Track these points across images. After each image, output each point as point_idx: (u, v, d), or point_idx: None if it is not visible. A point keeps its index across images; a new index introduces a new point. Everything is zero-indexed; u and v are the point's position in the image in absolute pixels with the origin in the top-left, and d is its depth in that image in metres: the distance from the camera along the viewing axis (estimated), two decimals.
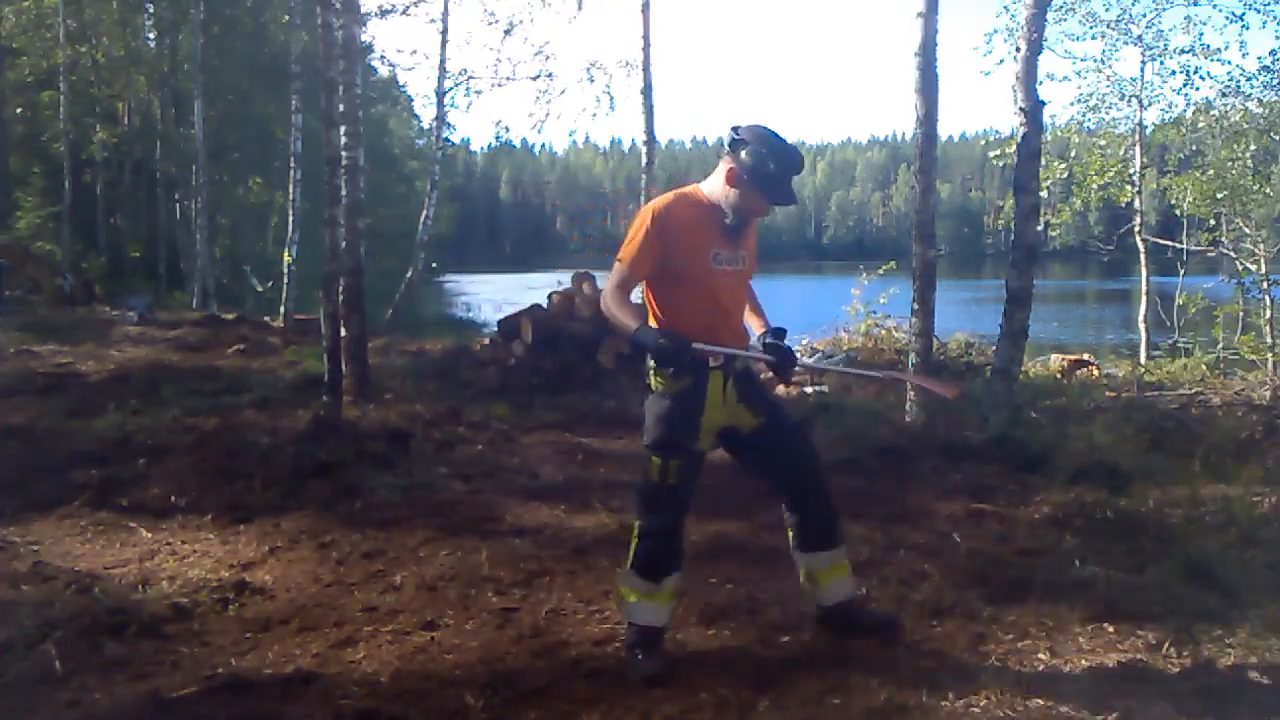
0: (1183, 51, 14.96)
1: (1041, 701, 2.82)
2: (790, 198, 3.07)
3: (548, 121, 21.07)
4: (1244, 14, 13.93)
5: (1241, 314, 14.35)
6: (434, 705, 2.88)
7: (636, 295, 3.19)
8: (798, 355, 3.22)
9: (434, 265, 25.55)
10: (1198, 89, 14.90)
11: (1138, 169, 15.83)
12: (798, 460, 3.19)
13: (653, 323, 3.11)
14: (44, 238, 20.71)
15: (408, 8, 17.20)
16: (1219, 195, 14.44)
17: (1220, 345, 13.35)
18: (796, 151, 3.04)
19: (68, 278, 16.56)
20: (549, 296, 8.94)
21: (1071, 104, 16.32)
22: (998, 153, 14.52)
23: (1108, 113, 15.96)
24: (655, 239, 3.01)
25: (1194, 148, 16.22)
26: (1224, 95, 14.70)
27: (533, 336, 8.32)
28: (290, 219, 18.30)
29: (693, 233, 3.04)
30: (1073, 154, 16.08)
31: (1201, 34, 14.74)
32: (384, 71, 25.49)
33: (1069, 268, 56.77)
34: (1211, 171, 14.79)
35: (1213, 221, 15.36)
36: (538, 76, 16.79)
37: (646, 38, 13.46)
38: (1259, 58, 18.69)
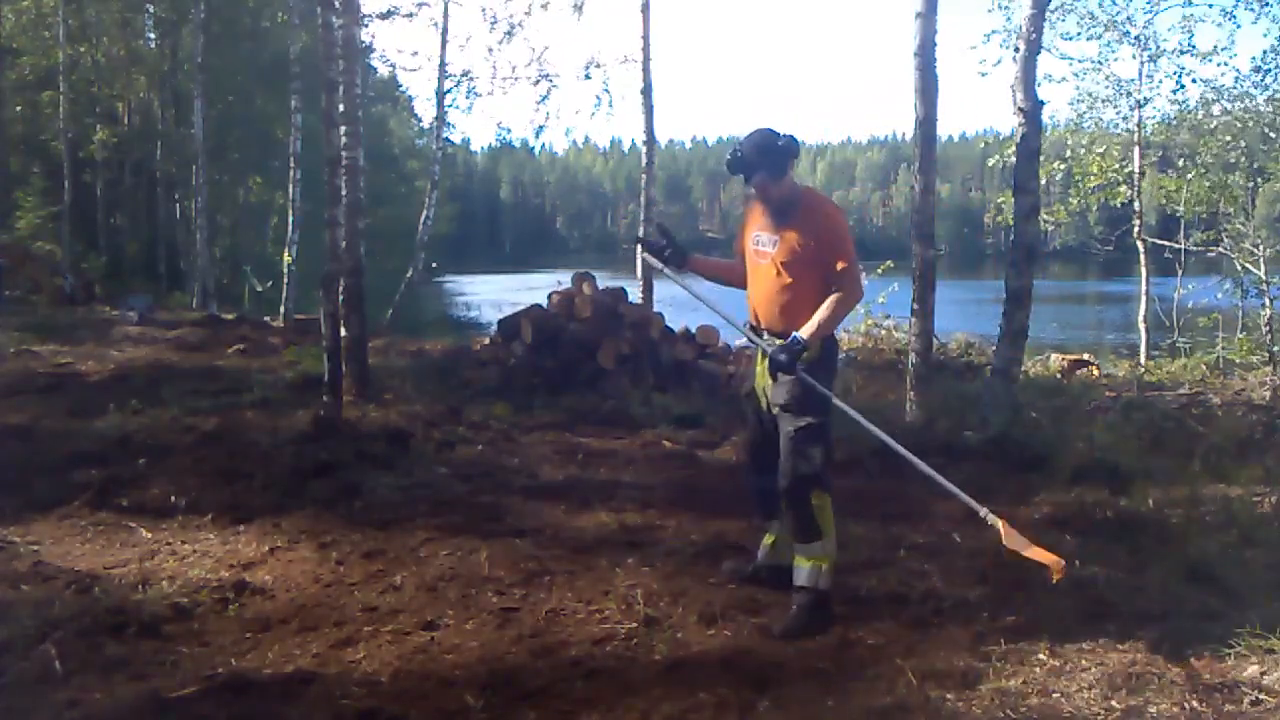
0: (1173, 52, 14.96)
1: (1041, 701, 2.82)
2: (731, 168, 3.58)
3: (548, 125, 21.13)
4: (1234, 10, 13.87)
5: (1240, 314, 14.34)
6: (434, 705, 2.88)
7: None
8: (796, 370, 3.42)
9: (434, 265, 25.46)
10: (1186, 88, 14.83)
11: (1136, 169, 15.80)
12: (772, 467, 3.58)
13: None
14: (44, 238, 20.63)
15: (411, 14, 17.20)
16: (1201, 194, 14.43)
17: (1220, 345, 13.34)
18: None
19: (68, 278, 16.52)
20: (549, 296, 8.93)
21: (1070, 104, 16.31)
22: (995, 158, 14.53)
23: (1105, 112, 15.94)
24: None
25: (1186, 151, 16.19)
26: (1217, 97, 14.69)
27: (533, 336, 8.32)
28: (290, 219, 18.29)
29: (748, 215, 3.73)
30: (1069, 155, 16.04)
31: (1192, 35, 14.73)
32: (384, 71, 25.49)
33: (1069, 268, 56.71)
34: (1203, 169, 14.78)
35: (1205, 218, 15.35)
36: (538, 80, 16.79)
37: (646, 37, 13.44)
38: (1252, 57, 18.58)
